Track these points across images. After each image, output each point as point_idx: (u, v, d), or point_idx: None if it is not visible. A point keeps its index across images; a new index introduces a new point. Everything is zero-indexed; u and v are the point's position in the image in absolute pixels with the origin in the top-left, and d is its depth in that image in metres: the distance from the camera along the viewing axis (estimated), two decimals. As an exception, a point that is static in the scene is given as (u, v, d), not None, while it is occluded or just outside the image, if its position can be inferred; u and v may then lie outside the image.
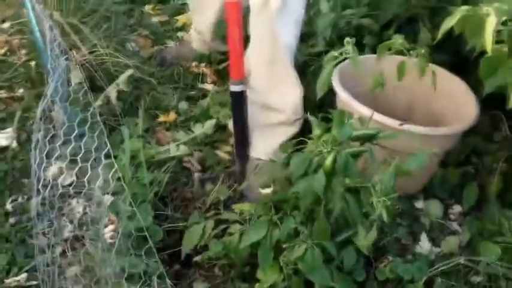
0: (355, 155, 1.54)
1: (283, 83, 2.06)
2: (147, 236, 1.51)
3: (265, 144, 2.10)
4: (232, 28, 1.85)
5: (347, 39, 1.68)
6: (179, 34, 2.93)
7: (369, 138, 1.58)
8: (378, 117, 1.83)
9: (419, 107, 2.21)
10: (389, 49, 1.82)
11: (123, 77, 2.25)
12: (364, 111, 1.86)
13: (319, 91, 1.75)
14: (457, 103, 2.10)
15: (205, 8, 2.55)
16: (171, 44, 2.86)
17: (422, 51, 1.75)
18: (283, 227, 1.64)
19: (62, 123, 1.83)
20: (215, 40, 2.67)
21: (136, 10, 3.00)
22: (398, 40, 1.75)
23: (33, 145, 1.61)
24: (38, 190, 1.56)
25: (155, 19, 3.03)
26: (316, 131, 1.58)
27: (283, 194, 1.70)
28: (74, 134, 1.64)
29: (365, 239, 1.56)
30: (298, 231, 1.64)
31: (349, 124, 1.56)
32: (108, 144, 1.53)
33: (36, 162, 1.54)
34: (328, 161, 1.50)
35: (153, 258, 1.68)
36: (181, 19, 3.04)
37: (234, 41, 1.87)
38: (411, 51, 1.78)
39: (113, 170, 1.52)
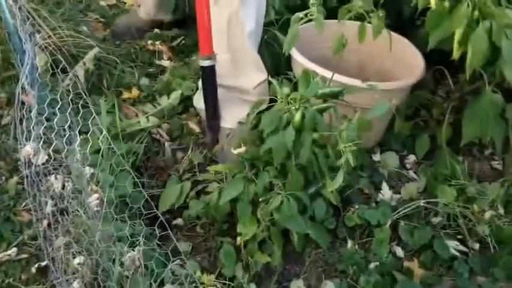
0: (322, 111, 1.66)
1: (248, 69, 2.12)
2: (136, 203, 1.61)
3: (234, 116, 2.15)
4: (200, 6, 1.92)
5: (312, 0, 1.78)
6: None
7: (334, 95, 1.70)
8: (338, 77, 1.95)
9: (370, 66, 2.35)
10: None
11: (90, 55, 2.31)
12: (324, 73, 1.98)
13: (287, 48, 1.84)
14: (404, 60, 2.25)
15: None
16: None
17: (380, 14, 1.87)
18: (259, 181, 1.75)
19: (34, 104, 1.87)
20: (159, 13, 2.78)
21: (83, -5, 3.04)
22: (358, 3, 1.87)
23: (18, 120, 1.66)
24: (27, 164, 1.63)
25: (103, 3, 3.07)
26: (285, 90, 1.69)
27: (256, 151, 1.80)
28: (46, 114, 1.71)
29: (332, 186, 1.65)
30: (272, 185, 1.76)
31: (315, 82, 1.68)
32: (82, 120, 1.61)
33: (24, 136, 1.60)
34: (297, 117, 1.62)
35: (137, 222, 1.78)
36: (128, 1, 3.10)
37: (203, 17, 1.92)
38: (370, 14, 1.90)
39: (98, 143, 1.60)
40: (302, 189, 1.77)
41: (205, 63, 2.01)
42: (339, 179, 1.64)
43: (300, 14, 1.80)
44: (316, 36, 2.21)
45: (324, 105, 1.70)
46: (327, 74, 1.95)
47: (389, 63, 2.29)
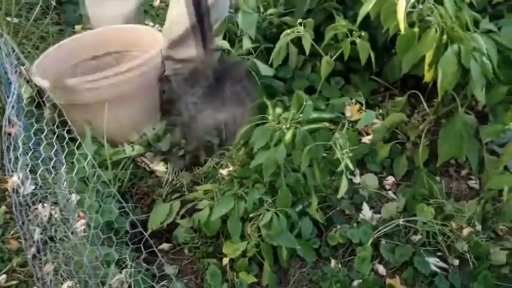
0: (312, 131, 1.73)
1: None
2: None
3: None
4: None
5: (299, 20, 1.84)
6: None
7: (325, 120, 1.77)
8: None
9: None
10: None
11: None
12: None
13: (275, 62, 1.90)
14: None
15: None
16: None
17: (362, 33, 1.95)
18: (249, 198, 1.80)
19: (19, 133, 1.91)
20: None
21: (66, 30, 3.09)
22: (341, 22, 1.93)
23: (5, 149, 1.70)
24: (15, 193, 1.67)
25: (84, 38, 3.12)
26: (278, 110, 1.75)
27: (245, 170, 1.86)
28: (31, 144, 1.75)
29: (340, 193, 1.73)
30: (262, 201, 1.82)
31: (309, 105, 1.75)
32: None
33: (11, 162, 1.64)
34: (288, 135, 1.69)
35: (124, 247, 1.80)
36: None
37: None
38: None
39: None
40: (290, 207, 1.83)
41: None
42: (344, 185, 1.72)
43: (288, 31, 1.86)
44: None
45: (315, 126, 1.76)
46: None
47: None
